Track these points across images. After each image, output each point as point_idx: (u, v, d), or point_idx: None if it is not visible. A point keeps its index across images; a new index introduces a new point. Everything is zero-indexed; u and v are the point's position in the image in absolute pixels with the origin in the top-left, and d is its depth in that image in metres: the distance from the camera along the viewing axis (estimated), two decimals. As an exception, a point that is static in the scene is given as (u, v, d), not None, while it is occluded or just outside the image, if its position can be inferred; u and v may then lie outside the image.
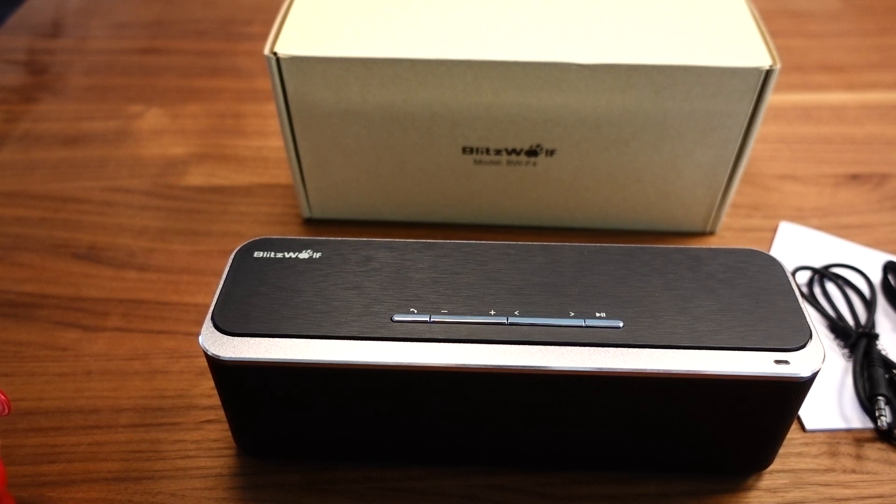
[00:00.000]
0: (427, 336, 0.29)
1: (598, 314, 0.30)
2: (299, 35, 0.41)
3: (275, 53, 0.40)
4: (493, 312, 0.30)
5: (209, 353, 0.29)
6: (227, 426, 0.35)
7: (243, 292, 0.31)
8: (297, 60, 0.40)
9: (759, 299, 0.31)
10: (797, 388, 0.30)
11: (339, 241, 0.34)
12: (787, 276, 0.32)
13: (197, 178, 0.52)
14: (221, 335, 0.30)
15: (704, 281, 0.32)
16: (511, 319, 0.30)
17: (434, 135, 0.43)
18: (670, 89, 0.40)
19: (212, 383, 0.36)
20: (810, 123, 0.57)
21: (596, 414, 0.31)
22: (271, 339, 0.29)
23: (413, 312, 0.30)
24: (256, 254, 0.33)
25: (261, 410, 0.32)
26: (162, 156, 0.54)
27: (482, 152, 0.43)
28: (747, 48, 0.40)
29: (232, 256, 0.33)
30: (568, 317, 0.30)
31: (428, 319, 0.30)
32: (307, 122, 0.42)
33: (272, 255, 0.33)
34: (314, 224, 0.49)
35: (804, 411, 0.37)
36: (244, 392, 0.31)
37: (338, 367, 0.29)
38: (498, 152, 0.43)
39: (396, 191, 0.46)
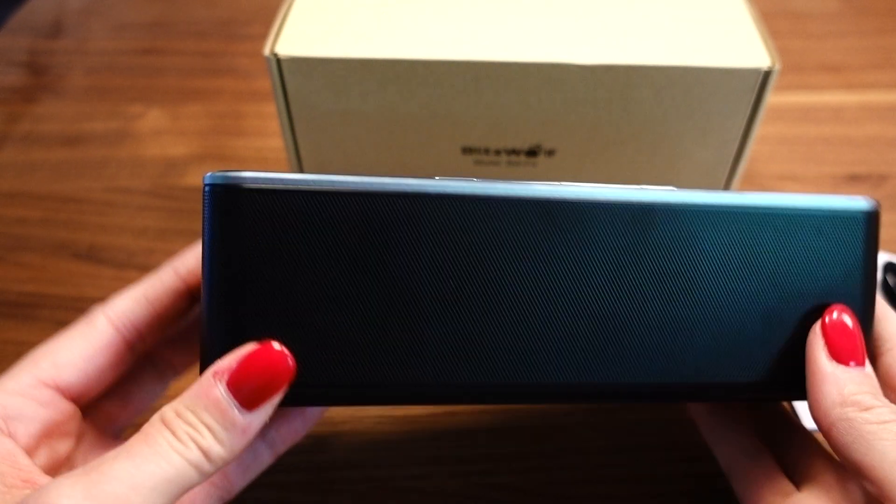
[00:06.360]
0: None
1: None
2: (299, 35, 0.41)
3: (275, 54, 0.40)
4: None
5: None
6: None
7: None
8: (297, 61, 0.40)
9: None
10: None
11: None
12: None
13: (197, 178, 0.52)
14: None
15: None
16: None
17: (434, 135, 0.43)
18: (670, 89, 0.40)
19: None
20: (809, 124, 0.57)
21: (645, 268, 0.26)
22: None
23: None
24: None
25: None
26: (162, 156, 0.54)
27: (482, 152, 0.43)
28: (747, 48, 0.40)
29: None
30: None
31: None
32: (307, 123, 0.43)
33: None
34: (314, 224, 0.49)
35: (804, 411, 0.37)
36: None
37: (388, 192, 0.25)
38: (498, 152, 0.43)
39: (396, 191, 0.46)
